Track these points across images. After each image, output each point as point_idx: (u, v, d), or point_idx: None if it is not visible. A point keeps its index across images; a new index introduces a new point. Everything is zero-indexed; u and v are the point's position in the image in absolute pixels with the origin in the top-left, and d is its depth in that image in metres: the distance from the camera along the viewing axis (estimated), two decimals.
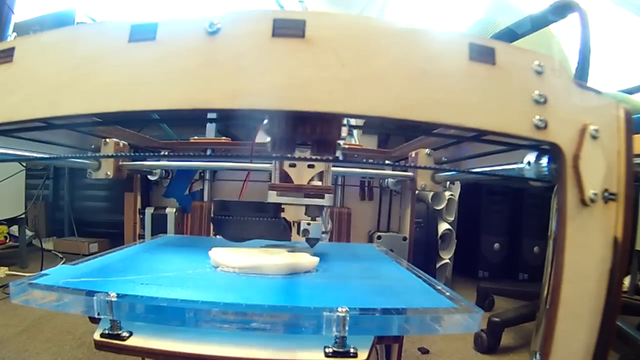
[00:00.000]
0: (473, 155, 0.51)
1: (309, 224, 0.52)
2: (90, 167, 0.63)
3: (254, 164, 0.76)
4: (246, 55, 0.27)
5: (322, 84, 0.26)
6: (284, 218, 0.52)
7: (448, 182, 0.68)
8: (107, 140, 0.62)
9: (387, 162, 0.84)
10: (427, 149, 0.62)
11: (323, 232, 0.54)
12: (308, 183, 0.51)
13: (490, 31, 1.14)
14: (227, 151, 0.86)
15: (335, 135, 0.32)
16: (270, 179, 0.54)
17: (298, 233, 0.53)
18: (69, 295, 0.35)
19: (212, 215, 0.52)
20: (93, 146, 0.62)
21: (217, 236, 0.58)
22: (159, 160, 0.75)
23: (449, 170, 0.58)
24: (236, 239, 0.56)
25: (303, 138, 0.35)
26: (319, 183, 0.51)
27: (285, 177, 0.51)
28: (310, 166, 0.51)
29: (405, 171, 0.74)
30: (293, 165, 0.51)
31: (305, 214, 0.52)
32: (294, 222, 0.54)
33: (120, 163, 0.65)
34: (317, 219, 0.52)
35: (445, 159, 0.60)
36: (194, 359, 0.32)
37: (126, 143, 0.65)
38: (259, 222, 0.51)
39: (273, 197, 0.49)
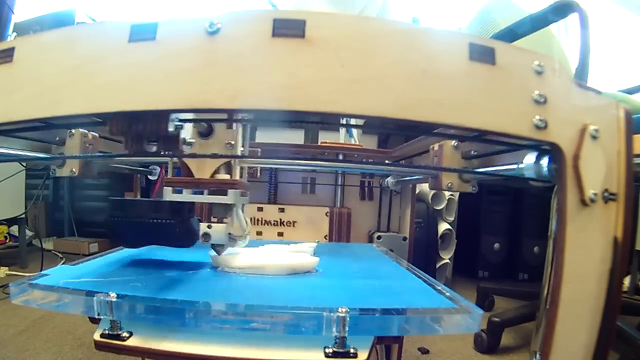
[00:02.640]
0: (501, 150, 0.45)
1: (209, 226, 0.44)
2: (54, 163, 0.55)
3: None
4: (246, 55, 0.27)
5: (322, 84, 0.26)
6: (198, 218, 0.46)
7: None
8: (73, 131, 0.53)
9: (387, 161, 0.84)
10: (454, 141, 0.53)
11: (235, 236, 0.46)
12: (212, 176, 0.42)
13: (489, 29, 1.14)
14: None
15: (164, 130, 0.30)
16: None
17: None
18: (69, 296, 0.35)
19: (106, 217, 0.45)
20: (58, 138, 0.54)
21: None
22: (136, 156, 0.69)
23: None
24: (133, 245, 0.49)
25: (139, 135, 0.32)
26: (227, 176, 0.43)
27: (186, 170, 0.43)
28: (213, 157, 0.43)
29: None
30: (193, 156, 0.43)
31: (211, 213, 0.45)
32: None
33: (89, 159, 0.57)
34: (224, 220, 0.45)
35: (475, 153, 0.52)
36: (194, 359, 0.32)
37: (96, 134, 0.56)
38: (155, 225, 0.43)
39: (169, 195, 0.42)
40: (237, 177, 0.45)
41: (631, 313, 1.09)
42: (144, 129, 0.30)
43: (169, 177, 0.44)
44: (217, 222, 0.44)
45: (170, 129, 0.31)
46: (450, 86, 0.28)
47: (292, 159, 0.77)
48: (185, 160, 0.42)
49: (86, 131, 0.55)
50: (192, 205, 0.45)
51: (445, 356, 0.97)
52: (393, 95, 0.27)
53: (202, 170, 0.42)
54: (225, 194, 0.43)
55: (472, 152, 0.53)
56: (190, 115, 0.37)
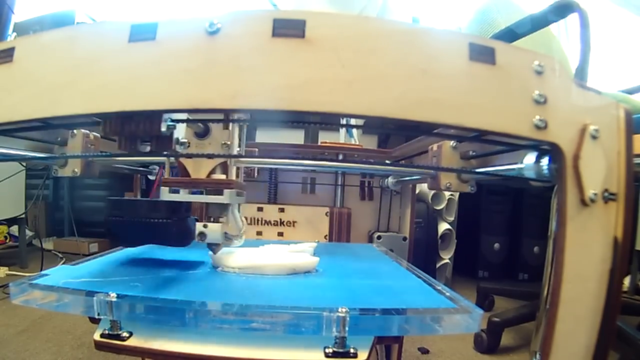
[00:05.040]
0: (500, 151, 0.45)
1: (205, 226, 0.44)
2: (56, 163, 0.55)
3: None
4: (246, 55, 0.27)
5: (322, 84, 0.26)
6: (195, 218, 0.46)
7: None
8: (75, 131, 0.54)
9: (387, 161, 0.84)
10: (453, 142, 0.53)
11: (231, 236, 0.47)
12: (208, 176, 0.43)
13: (489, 29, 1.14)
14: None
15: (157, 130, 0.30)
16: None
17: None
18: (69, 296, 0.35)
19: (104, 216, 0.46)
20: (59, 139, 0.54)
21: None
22: (134, 156, 0.70)
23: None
24: (130, 244, 0.51)
25: (132, 135, 0.32)
26: (223, 176, 0.44)
27: (183, 170, 0.43)
28: (209, 157, 0.43)
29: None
30: (190, 156, 0.43)
31: (206, 213, 0.46)
32: None
33: (90, 159, 0.57)
34: (219, 219, 0.45)
35: (474, 153, 0.52)
36: (194, 359, 0.32)
37: (97, 135, 0.57)
38: (152, 225, 0.44)
39: (166, 194, 0.42)
40: (233, 177, 0.45)
41: (631, 313, 1.09)
42: (137, 129, 0.30)
43: (165, 177, 0.44)
44: (214, 222, 0.45)
45: (163, 129, 0.31)
46: (450, 86, 0.28)
47: (292, 159, 0.77)
48: (182, 160, 0.43)
49: (88, 132, 0.55)
50: (189, 205, 0.46)
51: (445, 356, 0.97)
52: (393, 95, 0.27)
53: (198, 170, 0.43)
54: (222, 194, 0.43)
55: (471, 152, 0.53)
56: (183, 116, 0.37)
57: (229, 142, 0.43)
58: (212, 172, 0.43)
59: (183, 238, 0.46)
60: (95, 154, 0.57)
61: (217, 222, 0.45)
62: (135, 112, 0.28)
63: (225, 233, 0.46)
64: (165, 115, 0.31)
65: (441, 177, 0.56)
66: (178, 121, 0.35)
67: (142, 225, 0.44)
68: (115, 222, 0.45)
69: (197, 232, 0.44)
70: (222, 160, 0.44)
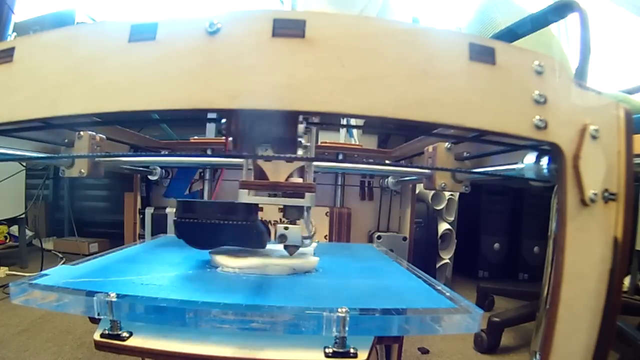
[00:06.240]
0: (494, 152, 0.46)
1: (286, 228, 0.45)
2: (63, 164, 0.55)
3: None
4: (246, 55, 0.27)
5: (322, 84, 0.26)
6: (263, 221, 0.46)
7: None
8: (82, 133, 0.54)
9: (387, 161, 0.84)
10: (447, 143, 0.54)
11: (304, 238, 0.47)
12: (286, 180, 0.43)
13: (489, 28, 1.14)
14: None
15: (292, 132, 0.30)
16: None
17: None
18: (69, 296, 0.35)
19: (174, 218, 0.45)
20: (66, 140, 0.55)
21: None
22: (139, 157, 0.69)
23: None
24: (203, 246, 0.50)
25: (262, 136, 0.32)
26: (300, 180, 0.44)
27: (259, 173, 0.43)
28: (288, 160, 0.43)
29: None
30: (269, 159, 0.42)
31: (284, 216, 0.46)
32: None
33: (96, 159, 0.57)
34: (297, 222, 0.45)
35: (468, 154, 0.53)
36: (194, 359, 0.32)
37: (103, 137, 0.57)
38: (229, 226, 0.44)
39: (244, 197, 0.42)
40: (311, 181, 0.46)
41: (631, 313, 1.09)
42: (269, 130, 0.29)
43: (244, 179, 0.44)
44: (290, 224, 0.46)
45: (300, 131, 0.30)
46: (450, 86, 0.28)
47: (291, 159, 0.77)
48: (261, 163, 0.43)
49: (94, 133, 0.56)
50: (257, 207, 0.46)
51: (445, 356, 0.97)
52: (393, 95, 0.27)
53: (277, 173, 0.43)
54: (301, 197, 0.43)
55: (465, 153, 0.53)
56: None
57: (308, 144, 0.43)
58: (290, 175, 0.43)
59: (261, 239, 0.46)
60: (101, 153, 0.57)
61: (294, 224, 0.45)
62: (266, 113, 0.27)
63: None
64: (301, 117, 0.30)
65: (436, 177, 0.57)
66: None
67: (218, 228, 0.44)
68: (186, 225, 0.45)
69: (278, 234, 0.45)
70: (301, 163, 0.44)
